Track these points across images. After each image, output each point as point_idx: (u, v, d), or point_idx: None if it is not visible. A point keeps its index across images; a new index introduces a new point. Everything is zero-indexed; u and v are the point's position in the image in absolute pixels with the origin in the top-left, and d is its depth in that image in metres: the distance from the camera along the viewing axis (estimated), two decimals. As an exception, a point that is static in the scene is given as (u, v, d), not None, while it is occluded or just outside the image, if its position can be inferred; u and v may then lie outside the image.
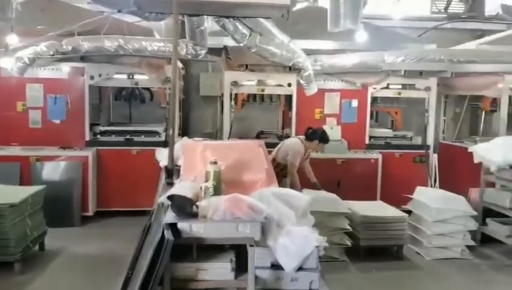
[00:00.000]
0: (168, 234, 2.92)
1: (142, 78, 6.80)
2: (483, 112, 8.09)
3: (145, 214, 4.20)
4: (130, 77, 6.78)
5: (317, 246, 3.24)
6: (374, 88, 7.09)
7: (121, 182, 6.68)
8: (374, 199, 6.61)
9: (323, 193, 5.58)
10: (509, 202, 5.61)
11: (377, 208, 5.80)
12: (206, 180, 3.37)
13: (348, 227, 5.36)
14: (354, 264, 5.35)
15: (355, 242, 5.43)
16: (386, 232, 5.47)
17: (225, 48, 6.91)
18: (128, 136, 6.90)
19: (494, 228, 5.84)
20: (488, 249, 5.88)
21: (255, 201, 3.19)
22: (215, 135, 7.87)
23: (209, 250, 3.24)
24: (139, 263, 3.26)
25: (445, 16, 9.36)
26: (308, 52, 6.26)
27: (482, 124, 8.28)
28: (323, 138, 5.73)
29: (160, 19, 5.18)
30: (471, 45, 7.95)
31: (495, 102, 7.51)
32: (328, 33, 5.14)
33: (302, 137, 5.80)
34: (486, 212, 5.96)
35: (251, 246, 3.08)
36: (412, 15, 9.08)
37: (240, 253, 3.28)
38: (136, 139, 6.89)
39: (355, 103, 7.09)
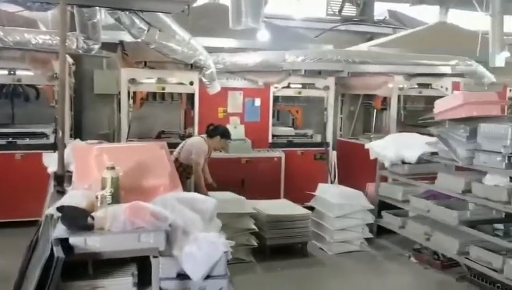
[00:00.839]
0: (58, 251, 2.57)
1: (26, 74, 6.18)
2: (375, 110, 8.58)
3: (34, 225, 3.74)
4: (12, 72, 6.12)
5: (225, 252, 3.11)
6: (276, 87, 7.15)
7: (4, 190, 5.97)
8: (278, 197, 6.67)
9: (228, 194, 5.47)
10: (402, 195, 5.99)
11: (281, 207, 5.83)
12: (103, 188, 3.06)
13: (254, 227, 5.31)
14: (260, 264, 5.32)
15: (261, 242, 5.40)
16: (291, 230, 5.52)
17: (121, 43, 6.51)
18: (10, 139, 6.21)
19: (388, 219, 6.19)
20: (384, 240, 6.21)
21: (158, 208, 2.95)
22: (112, 136, 7.38)
23: (108, 265, 2.94)
24: (25, 286, 2.85)
25: (340, 18, 9.79)
26: (210, 50, 6.11)
27: (374, 122, 8.78)
28: (224, 133, 5.63)
29: (45, 9, 4.70)
30: (363, 46, 8.40)
31: (385, 101, 8.00)
32: (230, 31, 5.05)
33: (205, 136, 5.64)
34: (382, 206, 6.30)
35: (155, 257, 2.85)
36: (310, 16, 9.38)
37: (143, 265, 3.02)
38: (19, 142, 6.22)
39: (258, 101, 7.10)
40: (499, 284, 4.63)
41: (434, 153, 5.52)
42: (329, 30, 9.19)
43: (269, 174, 6.86)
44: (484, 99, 5.24)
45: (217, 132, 5.60)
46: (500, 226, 5.09)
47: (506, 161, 4.54)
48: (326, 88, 7.38)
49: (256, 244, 5.32)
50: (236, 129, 6.82)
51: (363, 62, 7.04)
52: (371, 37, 9.58)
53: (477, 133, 4.85)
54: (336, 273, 5.28)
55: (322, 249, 5.83)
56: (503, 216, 5.11)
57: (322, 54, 6.87)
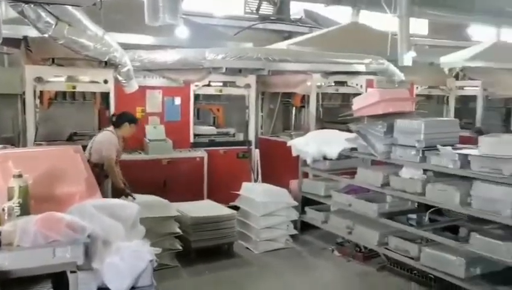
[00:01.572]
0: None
1: None
2: (294, 107, 8.71)
3: None
4: None
5: (150, 260, 2.92)
6: (196, 85, 6.98)
7: None
8: (202, 198, 6.51)
9: (150, 197, 5.22)
10: (324, 190, 6.12)
11: (205, 208, 5.70)
12: (10, 199, 2.73)
13: (179, 230, 5.13)
14: (186, 268, 5.16)
15: (186, 245, 5.23)
16: (216, 232, 5.41)
17: (25, 38, 5.95)
18: None
19: (312, 215, 6.30)
20: (308, 235, 6.31)
21: (74, 218, 2.68)
22: (17, 139, 6.76)
23: (20, 283, 2.62)
24: None
25: (257, 16, 9.83)
26: (126, 47, 5.78)
27: (293, 119, 8.92)
28: (131, 118, 5.43)
29: None
30: (282, 45, 8.48)
31: (304, 98, 8.16)
32: (147, 27, 4.81)
33: (111, 128, 5.34)
34: (305, 202, 6.39)
35: (72, 272, 2.58)
36: (229, 14, 9.30)
37: (60, 279, 2.74)
38: None
39: (178, 100, 6.88)
40: (415, 271, 4.88)
41: (353, 149, 5.69)
42: (248, 28, 9.18)
43: (192, 175, 6.67)
44: (398, 96, 5.49)
45: (124, 119, 5.37)
46: (414, 216, 5.37)
47: (420, 155, 4.78)
48: (247, 86, 7.35)
49: (181, 248, 5.14)
50: (156, 129, 6.56)
51: (283, 60, 7.08)
52: (288, 35, 9.73)
53: (393, 128, 5.07)
54: (263, 273, 5.26)
55: (249, 249, 5.78)
56: (416, 206, 5.40)
57: (243, 52, 6.81)
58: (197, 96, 7.21)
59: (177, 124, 6.87)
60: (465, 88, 9.52)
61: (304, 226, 6.35)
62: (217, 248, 5.53)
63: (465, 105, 9.66)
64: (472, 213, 4.29)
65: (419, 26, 11.04)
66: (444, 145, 4.63)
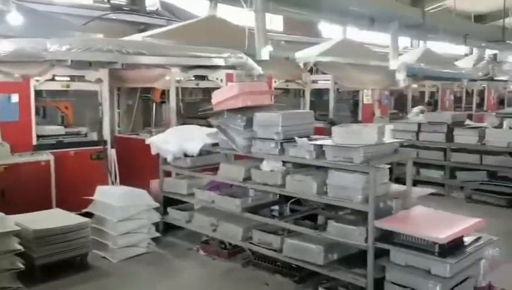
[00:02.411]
0: None
1: None
2: (154, 103, 8.31)
3: None
4: None
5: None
6: (37, 80, 6.16)
7: None
8: (50, 207, 5.77)
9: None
10: (186, 188, 5.88)
11: (52, 218, 5.05)
12: None
13: (19, 247, 4.44)
14: (30, 288, 4.50)
15: (29, 263, 4.56)
16: (65, 244, 4.81)
17: None
18: None
19: (175, 215, 6.01)
20: (172, 237, 6.01)
21: None
22: None
23: None
24: None
25: (109, 6, 9.14)
26: None
27: (154, 116, 8.50)
28: None
29: None
30: (137, 37, 7.98)
31: (164, 94, 7.81)
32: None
33: None
34: (167, 202, 6.07)
35: None
36: (75, 2, 8.48)
37: None
38: None
39: (15, 97, 5.99)
40: (279, 263, 4.91)
41: (215, 144, 5.53)
42: (98, 18, 8.45)
43: (36, 182, 5.88)
44: (257, 90, 5.47)
45: None
46: (276, 207, 5.42)
47: (279, 147, 4.80)
48: (99, 81, 6.73)
49: (23, 266, 4.46)
50: (-13, 132, 5.64)
51: (138, 53, 6.60)
52: (144, 28, 9.21)
53: (253, 122, 5.02)
54: (123, 282, 4.84)
55: (106, 258, 5.28)
56: (278, 198, 5.46)
57: (91, 43, 6.16)
58: (39, 93, 6.37)
59: (16, 124, 5.99)
60: (318, 82, 10.09)
61: (167, 228, 6.03)
62: (67, 261, 4.93)
63: (319, 98, 10.23)
64: (328, 201, 4.43)
65: (275, 22, 11.45)
66: (300, 137, 4.70)
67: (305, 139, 4.62)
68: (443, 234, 3.66)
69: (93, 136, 6.88)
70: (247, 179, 5.17)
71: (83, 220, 5.06)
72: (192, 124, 6.60)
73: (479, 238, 4.00)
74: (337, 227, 4.32)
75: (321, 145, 4.41)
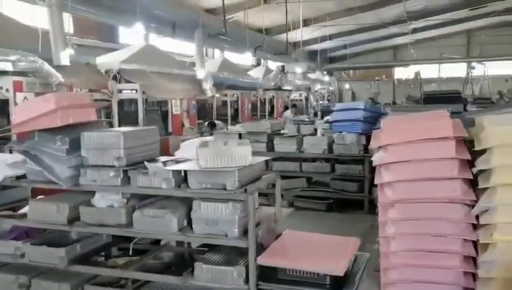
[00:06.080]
0: None
1: None
2: None
3: None
4: None
5: None
6: None
7: None
8: None
9: None
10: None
11: None
12: None
13: None
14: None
15: None
16: None
17: None
18: None
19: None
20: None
21: None
22: None
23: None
24: None
25: None
26: None
27: None
28: None
29: None
30: None
31: None
32: None
33: None
34: None
35: None
36: None
37: None
38: None
39: None
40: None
41: (21, 177, 4.06)
42: None
43: None
44: (78, 102, 4.23)
45: None
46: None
47: (121, 176, 3.74)
48: None
49: None
50: None
51: None
52: None
53: (80, 144, 3.81)
54: None
55: None
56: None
57: None
58: None
59: None
60: (124, 92, 8.96)
61: None
62: None
63: (129, 108, 9.14)
64: (195, 240, 3.62)
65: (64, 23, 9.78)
66: (148, 161, 3.76)
67: (159, 163, 3.69)
68: (338, 265, 3.27)
69: None
70: (75, 219, 3.92)
71: None
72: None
73: (356, 257, 3.77)
74: (207, 269, 3.53)
75: (183, 171, 3.57)
